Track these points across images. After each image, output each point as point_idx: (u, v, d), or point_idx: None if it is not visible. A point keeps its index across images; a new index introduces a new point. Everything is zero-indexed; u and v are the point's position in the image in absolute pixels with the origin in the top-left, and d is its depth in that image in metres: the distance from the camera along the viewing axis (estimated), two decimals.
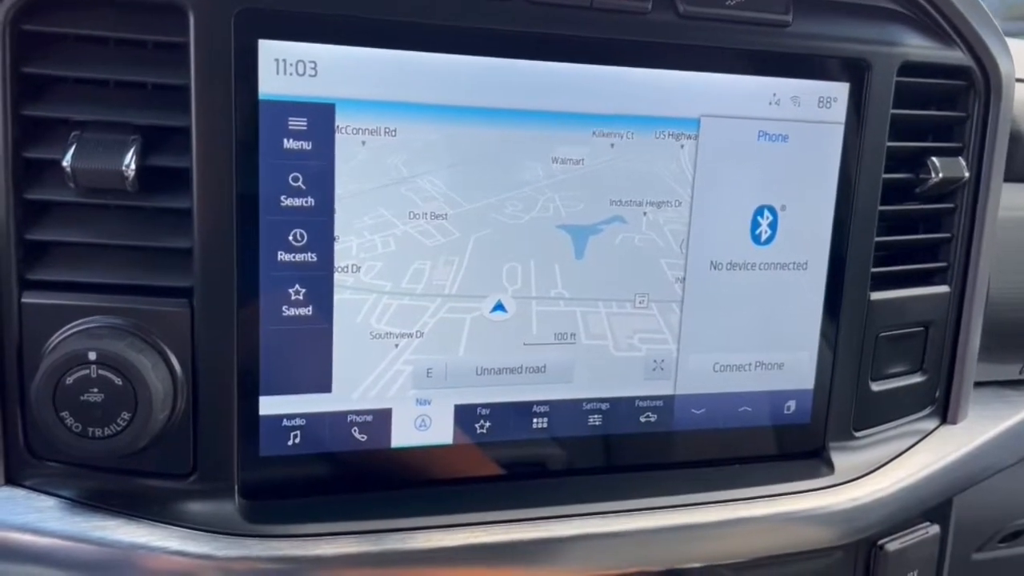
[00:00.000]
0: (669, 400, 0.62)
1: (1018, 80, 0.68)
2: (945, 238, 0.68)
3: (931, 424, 0.70)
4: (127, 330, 0.50)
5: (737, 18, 0.57)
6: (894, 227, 0.66)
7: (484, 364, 0.58)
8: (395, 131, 0.53)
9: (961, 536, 0.80)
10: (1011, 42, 0.66)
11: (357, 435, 0.56)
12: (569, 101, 0.55)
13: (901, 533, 0.67)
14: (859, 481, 0.64)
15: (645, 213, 0.58)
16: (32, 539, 0.50)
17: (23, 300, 0.50)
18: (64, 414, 0.49)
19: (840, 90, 0.61)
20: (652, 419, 0.62)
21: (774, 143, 0.60)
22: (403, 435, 0.57)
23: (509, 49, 0.54)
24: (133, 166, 0.49)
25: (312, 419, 0.55)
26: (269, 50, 0.50)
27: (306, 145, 0.51)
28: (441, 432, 0.58)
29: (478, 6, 0.52)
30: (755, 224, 0.61)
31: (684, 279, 0.60)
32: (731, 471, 0.63)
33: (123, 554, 0.51)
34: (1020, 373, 0.78)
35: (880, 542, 0.66)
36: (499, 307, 0.57)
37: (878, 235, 0.64)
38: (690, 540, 0.59)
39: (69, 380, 0.48)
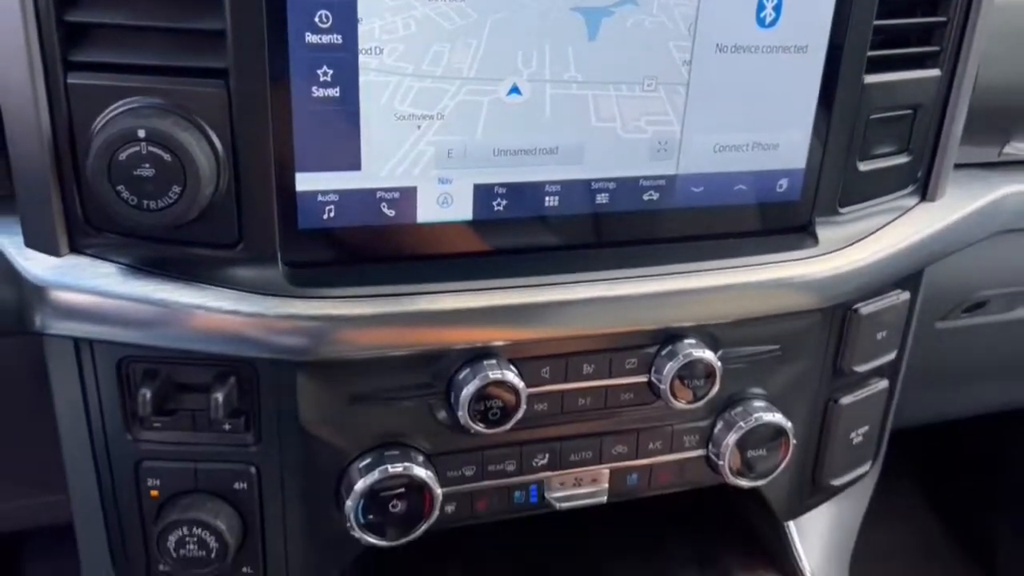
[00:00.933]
0: (671, 179, 0.67)
1: None
2: (940, 22, 0.70)
3: (911, 201, 0.75)
4: (170, 110, 0.53)
5: None
6: (892, 10, 0.67)
7: (500, 145, 0.61)
8: None
9: (927, 305, 0.88)
10: None
11: (386, 210, 0.61)
12: None
13: (875, 299, 0.74)
14: (841, 252, 0.70)
15: None
16: (99, 300, 0.56)
17: (69, 80, 0.53)
18: (120, 188, 0.53)
19: None
20: (655, 197, 0.67)
21: None
22: (427, 211, 0.62)
23: None
24: None
25: (344, 195, 0.59)
26: None
27: None
28: (462, 209, 0.63)
29: None
30: (760, 6, 0.63)
31: (691, 62, 0.63)
32: (725, 244, 0.69)
33: (182, 313, 0.57)
34: (998, 156, 0.82)
35: (855, 306, 0.73)
36: (515, 90, 0.60)
37: (878, 18, 0.66)
38: (684, 303, 0.66)
39: (122, 156, 0.52)
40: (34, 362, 0.64)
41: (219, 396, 0.58)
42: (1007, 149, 0.82)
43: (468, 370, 0.62)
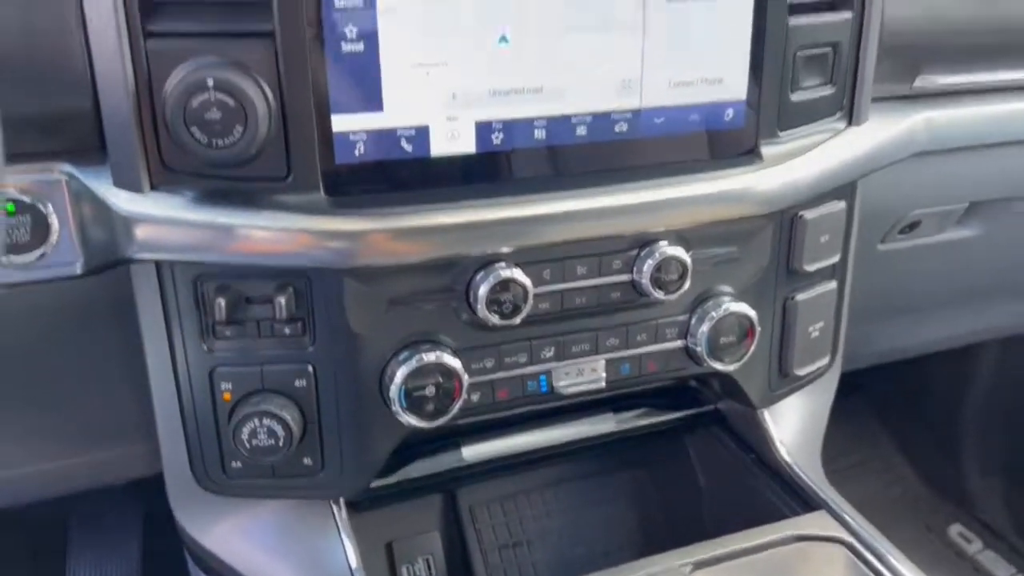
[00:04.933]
0: (636, 112, 0.80)
1: None
2: None
3: (840, 125, 0.89)
4: (231, 63, 0.66)
5: None
6: None
7: (496, 87, 0.75)
8: None
9: (866, 228, 1.02)
10: None
11: (405, 145, 0.74)
12: None
13: (816, 207, 0.88)
14: (784, 166, 0.84)
15: None
16: (177, 228, 0.69)
17: (148, 46, 0.66)
18: (193, 129, 0.66)
19: None
20: (624, 128, 0.80)
21: None
22: (439, 145, 0.75)
23: None
24: None
25: (371, 134, 0.72)
26: None
27: None
28: (467, 142, 0.75)
29: None
30: None
31: (644, 7, 0.77)
32: (686, 165, 0.82)
33: (244, 233, 0.69)
34: (910, 89, 0.97)
35: (800, 213, 0.87)
36: (504, 39, 0.74)
37: None
38: (655, 211, 0.79)
39: (194, 103, 0.65)
40: (112, 302, 0.76)
41: (281, 301, 0.70)
42: (917, 83, 0.97)
43: (482, 272, 0.74)
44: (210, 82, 0.65)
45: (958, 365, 1.70)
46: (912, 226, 1.10)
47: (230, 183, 0.70)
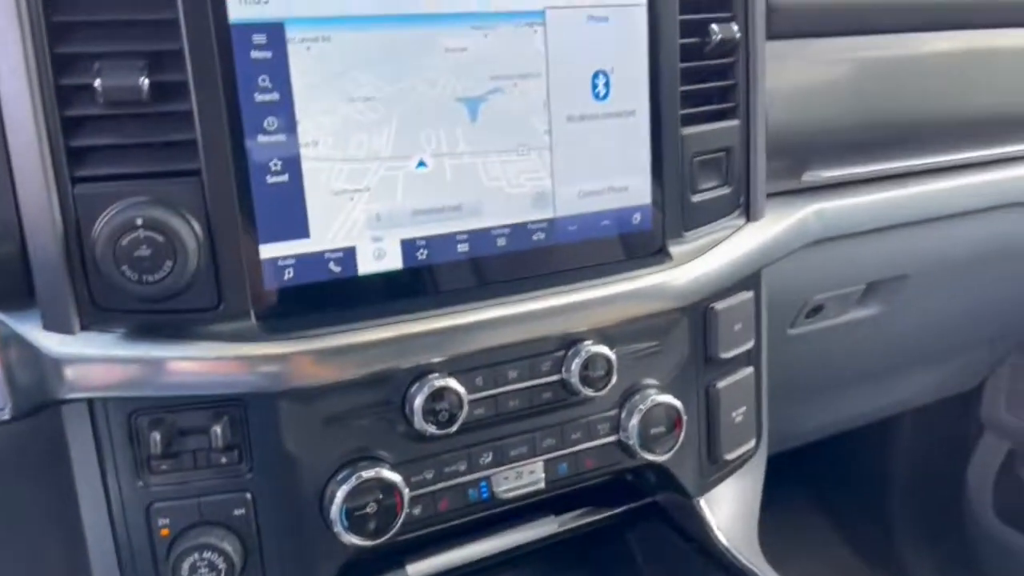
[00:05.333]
0: (551, 222, 0.85)
1: None
2: (731, 84, 0.93)
3: (740, 222, 0.96)
4: (159, 201, 0.68)
5: None
6: (693, 79, 0.90)
7: (417, 207, 0.79)
8: (330, 38, 0.73)
9: (775, 315, 1.08)
10: None
11: (333, 267, 0.76)
12: (450, 3, 0.76)
13: (726, 298, 0.93)
14: (690, 264, 0.89)
15: (516, 84, 0.81)
16: (109, 365, 0.69)
17: (75, 192, 0.67)
18: (123, 267, 0.67)
19: None
20: (542, 236, 0.85)
21: (599, 23, 0.83)
22: (366, 264, 0.77)
23: None
24: (146, 82, 0.67)
25: (299, 259, 0.75)
26: None
27: (267, 54, 0.71)
28: (393, 260, 0.79)
29: None
30: (594, 85, 0.84)
31: (550, 131, 0.83)
32: (602, 268, 0.87)
33: (177, 365, 0.70)
34: (799, 183, 1.05)
35: (711, 304, 0.92)
36: (422, 164, 0.78)
37: (682, 85, 0.88)
38: (576, 311, 0.83)
39: (124, 242, 0.67)
40: (42, 445, 0.75)
41: (217, 430, 0.70)
42: (805, 178, 1.05)
43: (417, 384, 0.76)
44: (139, 221, 0.67)
45: (880, 437, 1.77)
46: (816, 310, 1.17)
47: (161, 316, 0.71)
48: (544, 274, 0.84)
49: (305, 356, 0.72)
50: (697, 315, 0.92)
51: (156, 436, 0.70)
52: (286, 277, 0.75)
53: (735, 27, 0.91)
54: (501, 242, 0.83)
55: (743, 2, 0.92)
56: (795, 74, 1.03)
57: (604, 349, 0.83)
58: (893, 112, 1.10)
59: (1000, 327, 1.49)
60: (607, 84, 0.85)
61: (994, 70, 1.18)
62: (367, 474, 0.75)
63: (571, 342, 0.83)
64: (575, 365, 0.82)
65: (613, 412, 0.87)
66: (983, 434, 1.83)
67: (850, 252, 1.11)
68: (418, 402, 0.76)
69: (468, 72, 0.78)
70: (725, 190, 0.95)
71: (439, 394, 0.76)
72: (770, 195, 1.01)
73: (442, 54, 0.77)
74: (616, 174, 0.87)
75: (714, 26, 0.90)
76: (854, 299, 1.21)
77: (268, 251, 0.73)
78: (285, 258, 0.74)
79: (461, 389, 0.77)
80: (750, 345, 0.98)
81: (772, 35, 0.97)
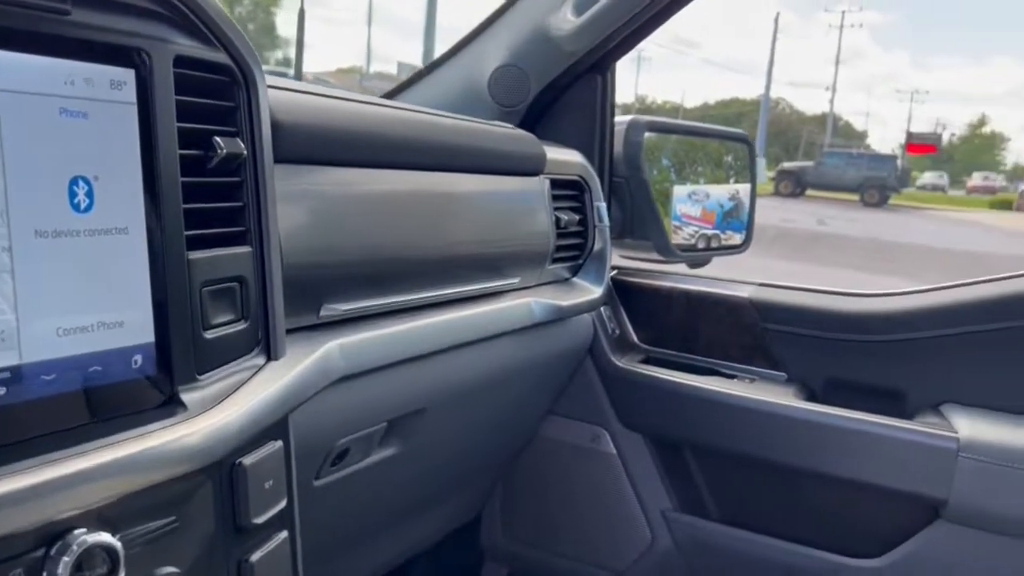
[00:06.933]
0: (16, 370, 0.63)
1: (270, 87, 0.87)
2: (239, 206, 0.82)
3: (260, 360, 0.84)
4: None
5: (17, 1, 0.61)
6: (198, 196, 0.77)
7: None
8: None
9: (302, 467, 0.96)
10: None
11: None
12: None
13: (253, 451, 0.79)
14: (208, 413, 0.73)
15: None
16: None
17: None
18: None
19: (127, 75, 0.70)
20: (2, 392, 0.62)
21: (76, 119, 0.66)
22: None
23: None
24: None
25: None
26: None
27: None
28: None
29: None
30: (72, 193, 0.66)
31: (10, 248, 0.62)
32: (90, 429, 0.66)
33: None
34: (318, 318, 0.97)
35: (237, 460, 0.76)
36: None
37: (185, 203, 0.75)
38: (57, 493, 0.60)
39: None
40: None
41: None
42: (323, 312, 0.98)
43: None
44: None
45: None
46: (341, 455, 1.08)
47: None
48: (7, 444, 0.61)
49: None
50: (222, 475, 0.75)
51: None
52: None
53: (240, 143, 0.81)
54: None
55: (248, 116, 0.83)
56: (310, 201, 0.96)
57: (105, 537, 0.61)
58: (397, 247, 1.09)
59: (497, 450, 1.57)
60: (90, 193, 0.68)
61: (454, 212, 1.22)
62: None
63: (56, 534, 0.60)
64: (63, 566, 0.59)
65: None
66: (484, 562, 1.89)
67: (374, 388, 1.05)
68: None
69: None
70: (242, 325, 0.82)
71: None
72: (290, 331, 0.91)
73: None
74: (108, 306, 0.69)
75: (218, 139, 0.79)
76: (377, 439, 1.14)
77: None
78: None
79: None
80: (283, 504, 0.83)
81: (282, 158, 0.89)
